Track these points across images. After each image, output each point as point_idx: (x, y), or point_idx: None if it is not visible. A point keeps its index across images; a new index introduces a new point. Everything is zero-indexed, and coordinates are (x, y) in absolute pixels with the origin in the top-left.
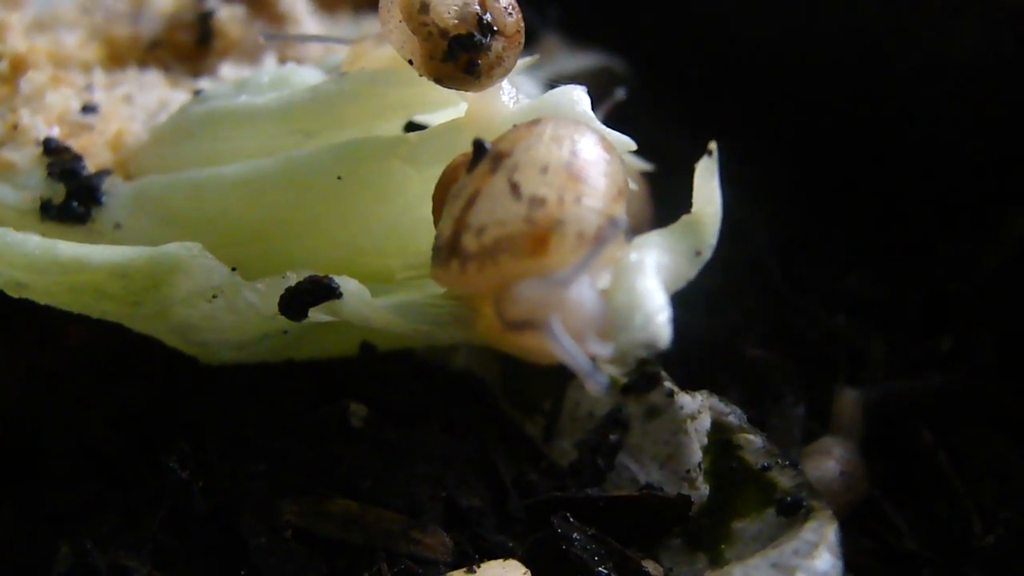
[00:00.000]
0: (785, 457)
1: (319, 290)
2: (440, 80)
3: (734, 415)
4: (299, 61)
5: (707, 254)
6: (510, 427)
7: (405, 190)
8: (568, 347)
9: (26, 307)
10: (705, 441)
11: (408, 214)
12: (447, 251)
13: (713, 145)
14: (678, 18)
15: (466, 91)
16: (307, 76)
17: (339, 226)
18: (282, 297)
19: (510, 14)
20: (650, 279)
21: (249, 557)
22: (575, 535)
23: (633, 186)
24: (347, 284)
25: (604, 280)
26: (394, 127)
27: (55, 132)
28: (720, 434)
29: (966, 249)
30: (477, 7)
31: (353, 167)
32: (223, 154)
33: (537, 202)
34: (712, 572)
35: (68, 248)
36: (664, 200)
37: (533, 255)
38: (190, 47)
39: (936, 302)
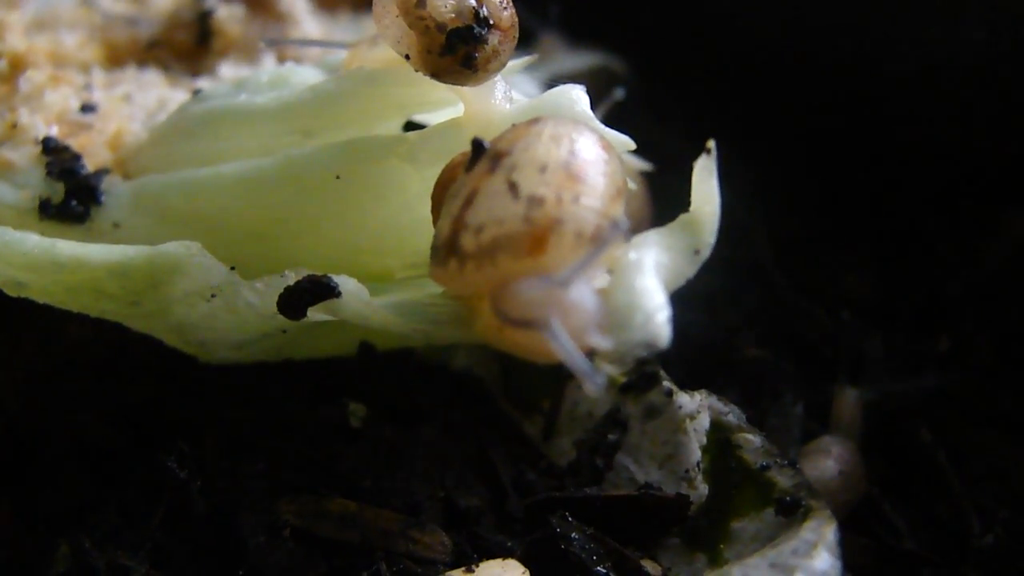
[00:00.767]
0: (784, 457)
1: (318, 289)
2: (437, 75)
3: (733, 415)
4: (298, 61)
5: (706, 253)
6: (509, 427)
7: (404, 189)
8: (567, 347)
9: (25, 306)
10: (704, 441)
11: (407, 213)
12: (445, 250)
13: (711, 144)
14: (677, 18)
15: (462, 86)
16: (306, 76)
17: (338, 225)
18: (281, 296)
19: (505, 8)
20: (649, 278)
21: (248, 556)
22: (574, 535)
23: (632, 185)
24: (346, 283)
25: (602, 280)
26: (393, 127)
27: (54, 131)
28: (719, 434)
29: (965, 249)
30: (473, 1)
31: (352, 166)
32: (222, 153)
33: (535, 201)
34: (711, 572)
35: (67, 247)
36: (663, 200)
37: (531, 254)
38: (189, 47)
39: (935, 302)
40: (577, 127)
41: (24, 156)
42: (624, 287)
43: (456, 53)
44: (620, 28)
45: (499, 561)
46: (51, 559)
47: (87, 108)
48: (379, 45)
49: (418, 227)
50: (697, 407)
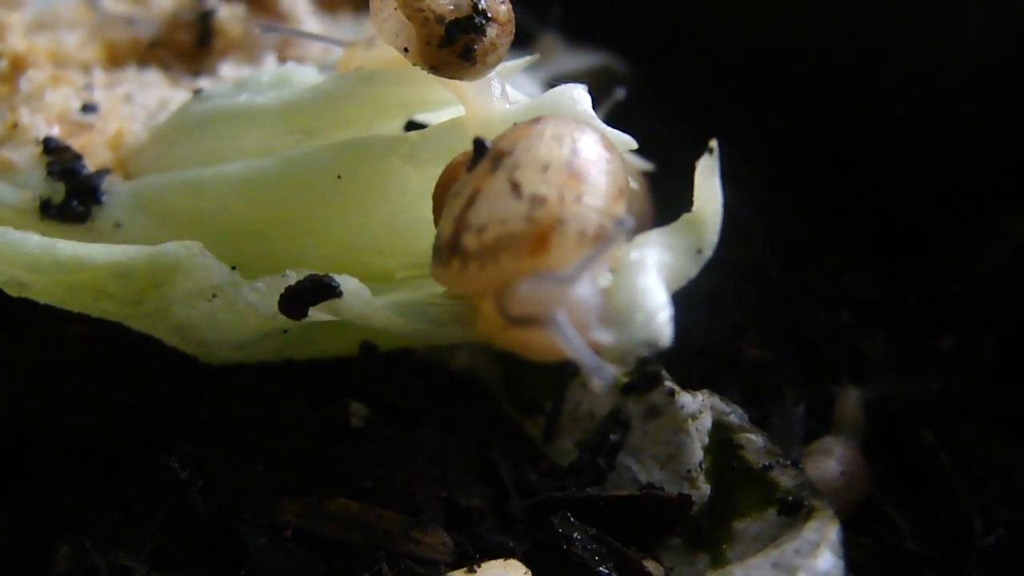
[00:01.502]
0: (786, 457)
1: (319, 289)
2: (435, 67)
3: (735, 415)
4: (299, 60)
5: (708, 252)
6: (511, 427)
7: (405, 189)
8: (574, 341)
9: (26, 306)
10: (706, 441)
11: (408, 213)
12: (448, 250)
13: (714, 143)
14: (679, 18)
15: (460, 79)
16: (307, 75)
17: (339, 225)
18: (282, 296)
19: (502, 2)
20: (651, 277)
21: (248, 557)
22: (576, 535)
23: (634, 185)
24: (347, 283)
25: (604, 278)
26: (394, 126)
27: (55, 131)
28: (721, 434)
29: (967, 249)
30: None
31: (353, 166)
32: (223, 153)
33: (538, 201)
34: (713, 572)
35: (68, 247)
36: (665, 199)
37: (534, 254)
38: (190, 47)
39: (937, 302)
40: (579, 126)
41: (25, 156)
42: (626, 286)
43: (455, 44)
44: (621, 28)
45: (501, 561)
46: (51, 560)
47: (88, 108)
48: (376, 46)
49: (419, 227)
50: (699, 407)
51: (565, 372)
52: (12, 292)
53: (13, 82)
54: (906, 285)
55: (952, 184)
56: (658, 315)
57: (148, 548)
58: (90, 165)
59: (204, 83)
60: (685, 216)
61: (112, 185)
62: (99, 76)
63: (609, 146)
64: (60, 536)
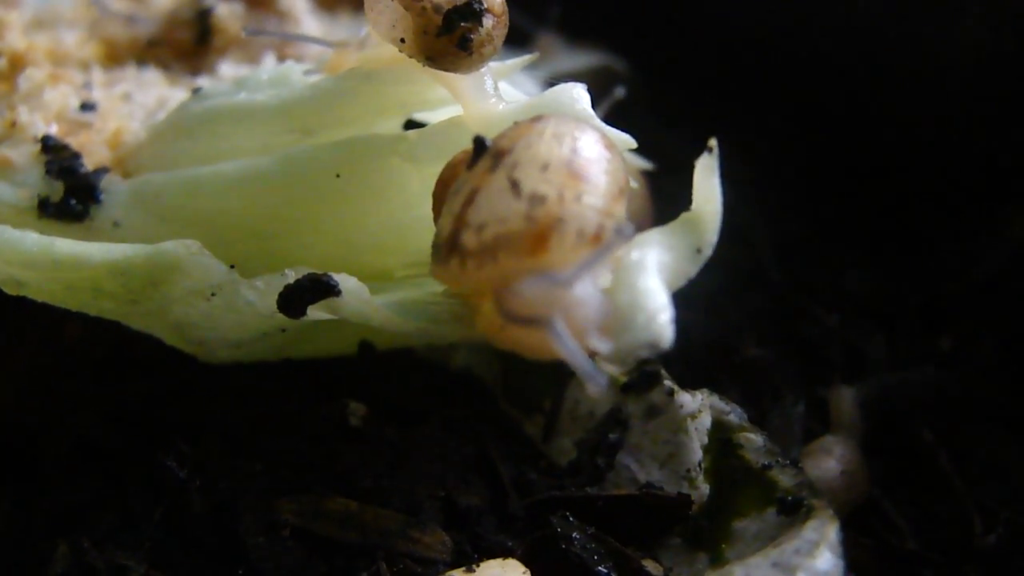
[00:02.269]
0: (786, 456)
1: (318, 288)
2: (432, 57)
3: (734, 414)
4: (298, 59)
5: (708, 252)
6: (510, 426)
7: (404, 188)
8: (570, 346)
9: (24, 305)
10: (705, 440)
11: (407, 212)
12: (447, 248)
13: (713, 142)
14: (678, 17)
15: (456, 71)
16: (298, 72)
17: (338, 224)
18: (280, 295)
19: None
20: (652, 278)
21: (247, 556)
22: (575, 534)
23: (634, 184)
24: (346, 282)
25: (606, 278)
26: (394, 125)
27: (53, 130)
28: (720, 433)
29: (966, 248)
30: None
31: (352, 165)
32: (222, 152)
33: (537, 200)
34: (712, 571)
35: (66, 246)
36: (665, 199)
37: (533, 253)
38: (189, 45)
39: (936, 301)
40: (579, 125)
41: (23, 154)
42: (626, 287)
43: (453, 33)
44: (621, 28)
45: (499, 561)
46: (50, 558)
47: (86, 107)
48: (369, 47)
49: (419, 225)
50: (698, 406)
51: (564, 371)
52: (10, 291)
53: (12, 80)
54: (905, 285)
55: (952, 184)
56: (659, 316)
57: (146, 547)
58: (88, 164)
59: (203, 82)
60: (684, 215)
61: (110, 184)
62: (98, 75)
63: (609, 145)
64: (58, 535)
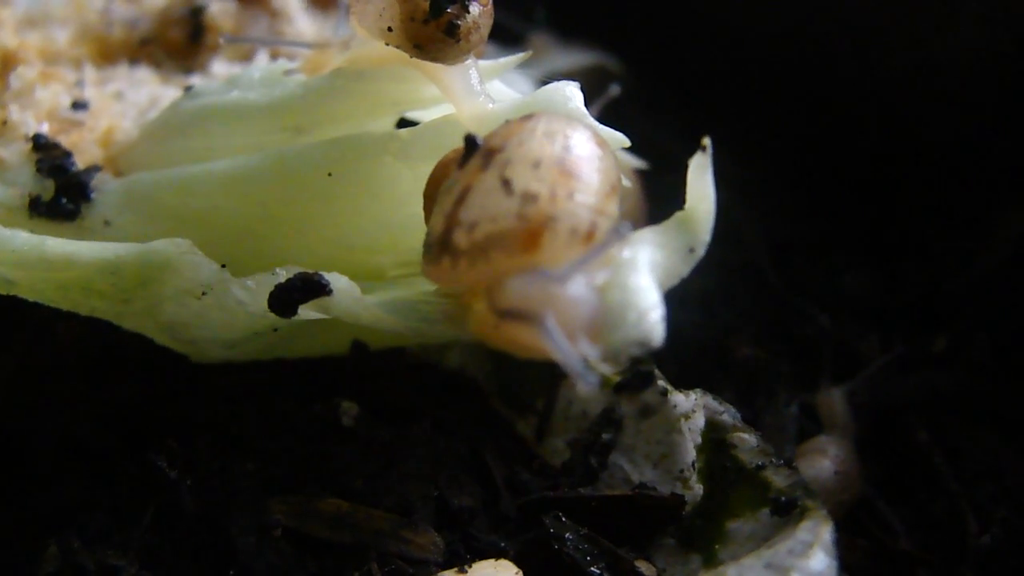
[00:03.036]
0: (779, 456)
1: (309, 287)
2: (420, 44)
3: (728, 414)
4: (291, 58)
5: (701, 251)
6: (502, 426)
7: (396, 186)
8: (561, 345)
9: (15, 304)
10: (699, 440)
11: (399, 211)
12: (438, 247)
13: (707, 140)
14: (673, 16)
15: (443, 61)
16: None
17: (329, 223)
18: (272, 294)
19: None
20: (643, 277)
21: (238, 556)
22: (568, 535)
23: (627, 183)
24: (337, 281)
25: (601, 277)
26: (385, 123)
27: (45, 128)
28: (714, 433)
29: (961, 249)
30: None
31: (344, 164)
32: (213, 150)
33: (529, 198)
34: (706, 572)
35: (57, 244)
36: (658, 198)
37: (525, 251)
38: (182, 43)
39: (931, 301)
40: (571, 123)
41: (14, 153)
42: (618, 285)
43: (440, 18)
44: (614, 27)
45: (492, 561)
46: (40, 559)
47: (78, 105)
48: (353, 47)
49: (410, 224)
50: (692, 406)
51: (557, 371)
52: (0, 290)
53: (3, 79)
54: (900, 284)
55: (946, 184)
56: (650, 315)
57: (137, 547)
58: (80, 162)
59: (195, 80)
60: (677, 214)
61: (102, 182)
62: (90, 73)
63: (601, 143)
64: (48, 535)
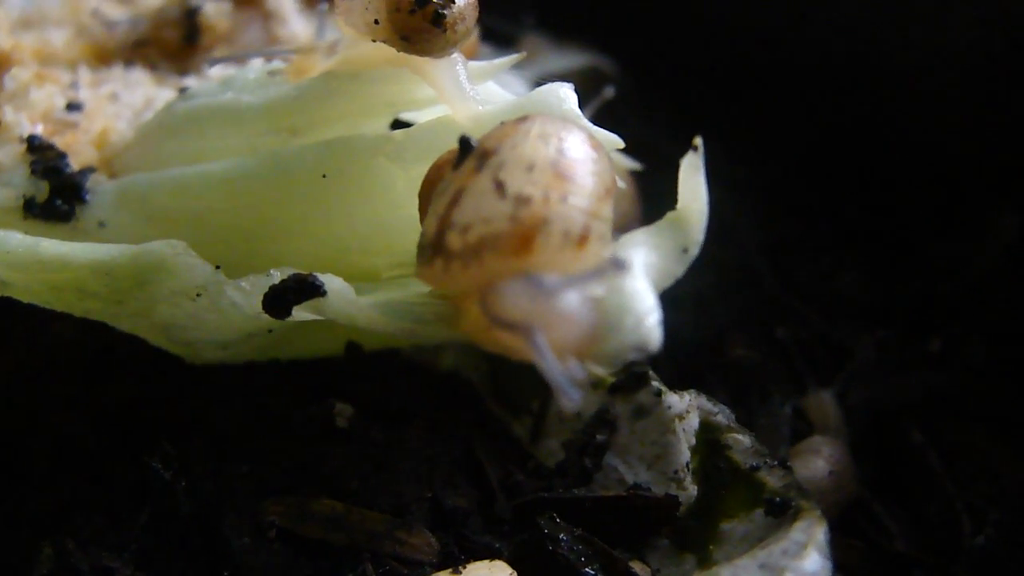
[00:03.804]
0: (774, 457)
1: (303, 288)
2: (406, 36)
3: (722, 415)
4: (286, 59)
5: (694, 251)
6: (497, 427)
7: (390, 188)
8: (548, 361)
9: (9, 305)
10: (693, 441)
11: (394, 212)
12: (432, 249)
13: (698, 141)
14: (666, 17)
15: (431, 53)
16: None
17: (324, 224)
18: (266, 295)
19: None
20: (639, 280)
21: (233, 558)
22: (562, 536)
23: (621, 185)
24: (332, 282)
25: (599, 289)
26: (380, 125)
27: (39, 130)
28: (708, 434)
29: (956, 250)
30: None
31: (338, 165)
32: (208, 152)
33: (522, 200)
34: (700, 573)
35: (51, 246)
36: (652, 199)
37: (518, 254)
38: (177, 45)
39: (926, 302)
40: (565, 125)
41: (8, 154)
42: (614, 289)
43: (426, 7)
44: (608, 28)
45: (486, 562)
46: (34, 561)
47: (73, 106)
48: (339, 51)
49: (405, 226)
50: (686, 407)
51: None
52: None
53: None
54: (895, 285)
55: (941, 185)
56: (647, 319)
57: (132, 548)
58: (75, 164)
59: (190, 81)
60: (670, 215)
61: (97, 184)
62: (85, 74)
63: (596, 146)
64: (43, 536)
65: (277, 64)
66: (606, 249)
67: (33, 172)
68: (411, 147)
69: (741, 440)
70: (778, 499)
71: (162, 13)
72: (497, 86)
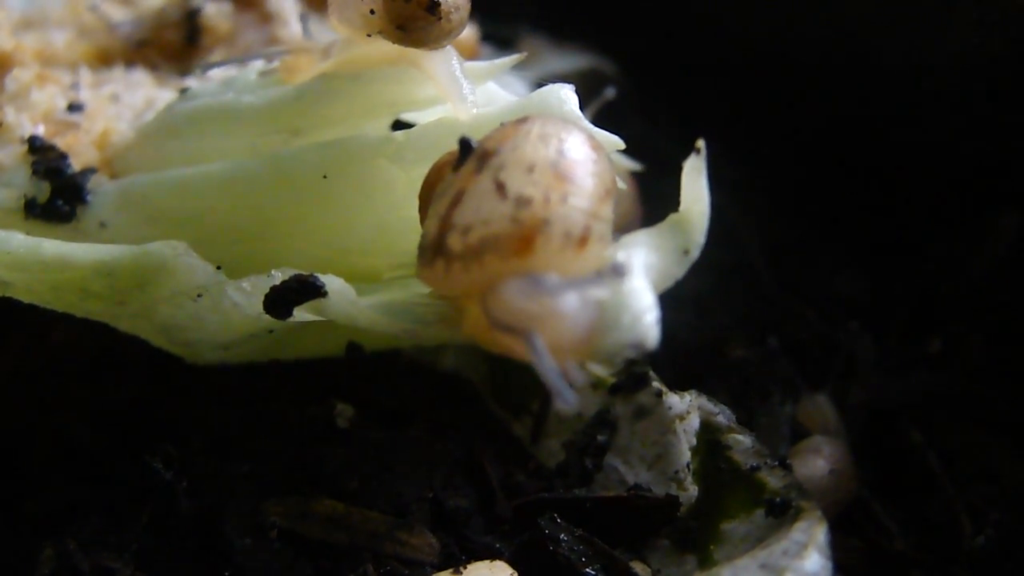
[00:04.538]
0: (774, 457)
1: (304, 289)
2: (402, 24)
3: (723, 415)
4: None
5: (695, 253)
6: (498, 428)
7: (391, 189)
8: (546, 364)
9: (10, 306)
10: (694, 442)
11: (395, 213)
12: (432, 251)
13: (701, 143)
14: (668, 18)
15: (427, 43)
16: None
17: (325, 225)
18: (267, 296)
19: None
20: (638, 279)
21: (234, 558)
22: (562, 536)
23: (622, 185)
24: (332, 283)
25: (598, 292)
26: (381, 125)
27: (40, 130)
28: (709, 434)
29: (956, 250)
30: None
31: (339, 166)
32: (209, 152)
33: (523, 201)
34: (700, 573)
35: (52, 246)
36: (653, 200)
37: (519, 255)
38: (178, 45)
39: (926, 303)
40: (566, 126)
41: (10, 155)
42: (613, 288)
43: None
44: (610, 30)
45: (487, 563)
46: (35, 561)
47: (74, 107)
48: (334, 55)
49: (405, 227)
50: (687, 408)
51: None
52: None
53: None
54: (895, 286)
55: (941, 185)
56: (644, 317)
57: (133, 549)
58: (76, 164)
59: (191, 82)
60: (672, 216)
61: (98, 184)
62: (86, 75)
63: (596, 147)
64: (44, 537)
65: (273, 64)
66: (607, 250)
67: (34, 173)
68: (412, 148)
69: (741, 440)
70: (778, 499)
71: (163, 14)
72: (498, 87)
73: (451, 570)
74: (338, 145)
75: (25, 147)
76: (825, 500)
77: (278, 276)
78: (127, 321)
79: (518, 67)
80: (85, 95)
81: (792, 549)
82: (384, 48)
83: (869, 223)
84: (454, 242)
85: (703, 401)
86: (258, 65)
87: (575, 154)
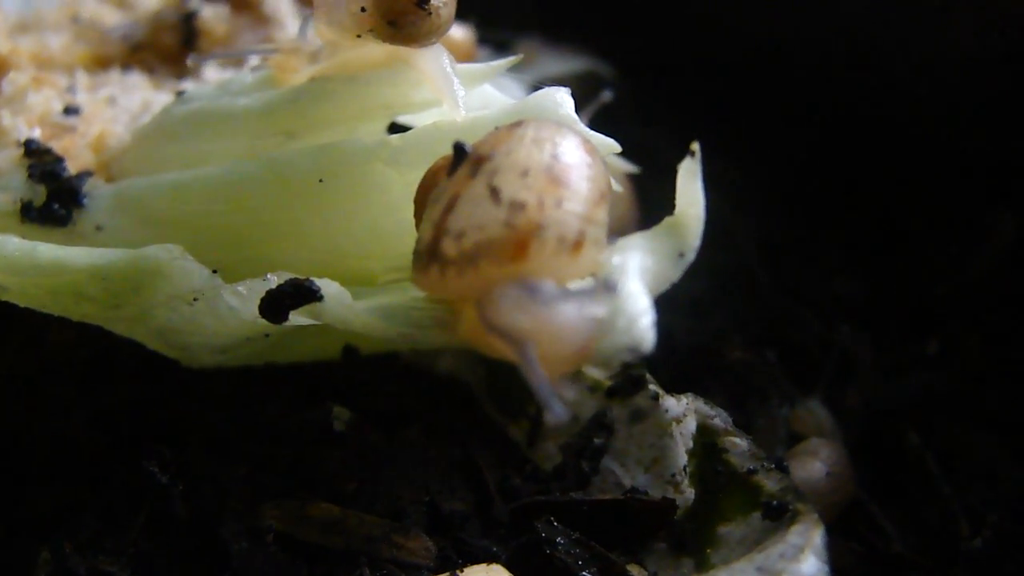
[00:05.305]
0: (771, 460)
1: (300, 293)
2: (393, 20)
3: (720, 418)
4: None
5: (691, 256)
6: (494, 431)
7: (387, 193)
8: (537, 375)
9: (6, 310)
10: (690, 444)
11: (390, 217)
12: (427, 256)
13: (696, 146)
14: (664, 21)
15: (418, 40)
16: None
17: (320, 228)
18: (263, 300)
19: None
20: (633, 282)
21: (230, 562)
22: (559, 539)
23: (618, 188)
24: (328, 287)
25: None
26: (377, 128)
27: (36, 133)
28: (705, 437)
29: (953, 251)
30: None
31: (335, 169)
32: (205, 155)
33: (517, 206)
34: None
35: (48, 250)
36: (649, 202)
37: (513, 260)
38: (175, 48)
39: (923, 304)
40: (560, 130)
41: (6, 158)
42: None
43: None
44: (605, 32)
45: (484, 566)
46: (32, 564)
47: (70, 110)
48: (322, 59)
49: (401, 230)
50: (683, 410)
51: None
52: None
53: None
54: (892, 287)
55: (938, 186)
56: (640, 320)
57: (129, 552)
58: (72, 168)
59: (187, 85)
60: (667, 219)
61: (94, 188)
62: (82, 78)
63: (591, 150)
64: (40, 540)
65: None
66: (602, 254)
67: (30, 176)
68: (407, 152)
69: (738, 443)
70: (775, 502)
71: (159, 17)
72: (494, 89)
73: (447, 573)
74: (334, 148)
75: (21, 150)
76: (822, 503)
77: (274, 280)
78: (123, 325)
79: (514, 69)
80: (81, 98)
81: (789, 552)
82: (378, 49)
83: (866, 224)
84: (448, 247)
85: (700, 404)
86: (253, 66)
87: (569, 158)
